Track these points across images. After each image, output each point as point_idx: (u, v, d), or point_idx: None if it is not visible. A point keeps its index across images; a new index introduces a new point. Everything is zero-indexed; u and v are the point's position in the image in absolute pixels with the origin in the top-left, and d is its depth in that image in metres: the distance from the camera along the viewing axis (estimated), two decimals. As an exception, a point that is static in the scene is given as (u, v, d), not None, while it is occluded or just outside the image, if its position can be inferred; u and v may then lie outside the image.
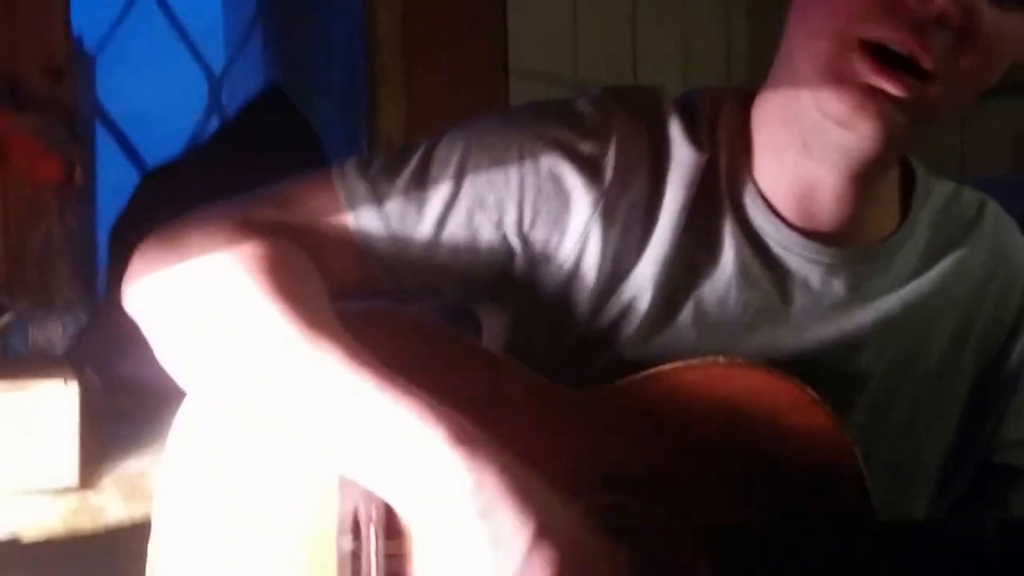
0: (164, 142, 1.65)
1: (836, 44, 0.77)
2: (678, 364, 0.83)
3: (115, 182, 1.54)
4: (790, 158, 0.85)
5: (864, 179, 0.84)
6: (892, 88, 0.75)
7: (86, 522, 0.96)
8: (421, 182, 0.84)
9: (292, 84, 1.70)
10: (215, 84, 1.81)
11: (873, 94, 0.76)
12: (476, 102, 1.68)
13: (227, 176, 0.95)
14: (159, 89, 1.76)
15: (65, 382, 0.95)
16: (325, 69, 1.76)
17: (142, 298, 0.81)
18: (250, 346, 0.76)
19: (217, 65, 1.82)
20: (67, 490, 0.95)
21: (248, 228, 0.80)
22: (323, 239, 0.83)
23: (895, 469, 0.88)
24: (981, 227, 0.94)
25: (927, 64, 0.74)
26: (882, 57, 0.75)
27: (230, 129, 1.65)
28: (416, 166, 0.85)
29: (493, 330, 0.92)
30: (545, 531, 0.69)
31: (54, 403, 0.94)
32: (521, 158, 0.84)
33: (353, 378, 0.73)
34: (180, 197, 0.85)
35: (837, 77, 0.77)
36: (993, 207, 0.96)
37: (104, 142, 1.61)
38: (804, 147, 0.83)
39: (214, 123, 1.78)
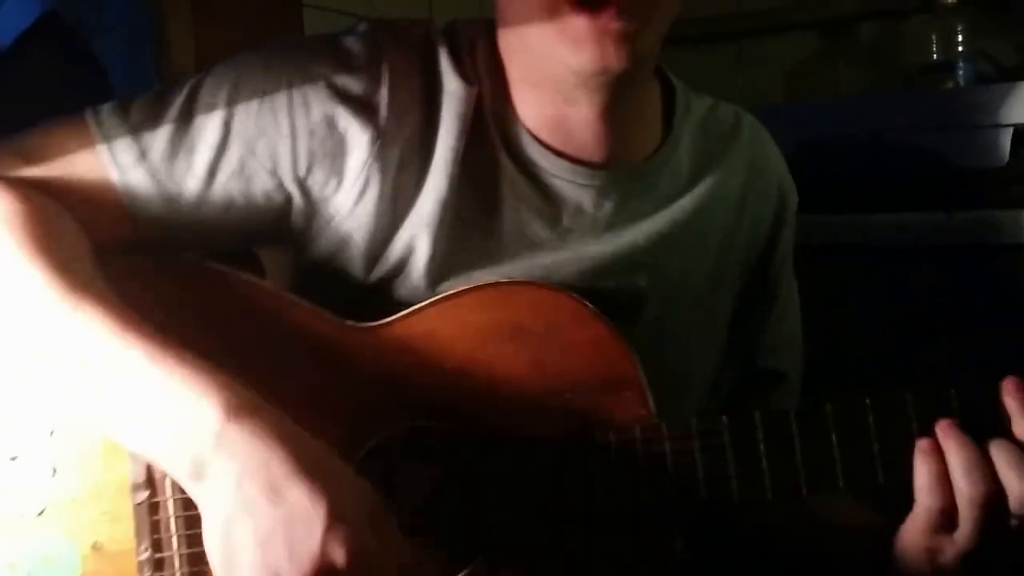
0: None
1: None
2: (460, 289, 0.85)
3: None
4: (545, 96, 0.87)
5: (615, 106, 0.87)
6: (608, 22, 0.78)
7: None
8: (186, 130, 0.81)
9: (70, 13, 1.59)
10: (-16, 14, 1.68)
11: (591, 30, 0.79)
12: (270, 33, 1.63)
13: (2, 114, 0.89)
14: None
15: None
16: (107, -2, 1.66)
17: None
18: (9, 313, 0.72)
19: (-16, -6, 1.69)
20: None
21: None
22: (83, 196, 0.79)
23: (670, 380, 0.93)
24: (739, 140, 0.99)
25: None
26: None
27: (2, 63, 1.54)
28: (180, 112, 0.81)
29: (275, 268, 0.91)
30: (337, 507, 0.68)
31: None
32: (290, 100, 0.82)
33: (120, 347, 0.70)
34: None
35: (555, 26, 0.80)
36: (748, 119, 1.01)
37: None
38: (556, 92, 0.86)
39: (-14, 58, 1.66)
